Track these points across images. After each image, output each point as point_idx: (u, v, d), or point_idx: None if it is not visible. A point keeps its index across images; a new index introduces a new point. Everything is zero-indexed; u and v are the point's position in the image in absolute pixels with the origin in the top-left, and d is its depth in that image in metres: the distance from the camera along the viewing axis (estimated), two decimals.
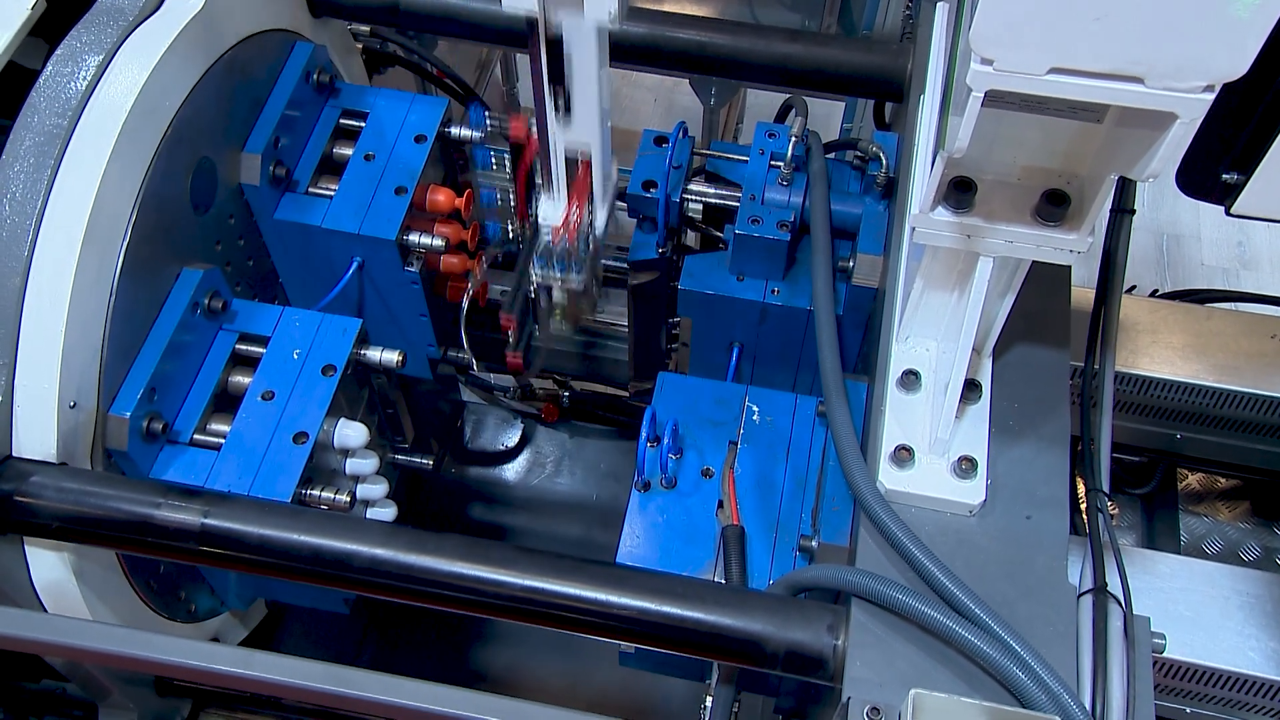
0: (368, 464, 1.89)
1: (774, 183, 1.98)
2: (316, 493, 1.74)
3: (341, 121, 2.09)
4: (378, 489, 1.93)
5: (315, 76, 2.04)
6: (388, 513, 1.97)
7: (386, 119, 2.10)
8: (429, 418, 2.83)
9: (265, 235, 2.03)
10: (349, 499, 1.75)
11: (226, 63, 1.82)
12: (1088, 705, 1.28)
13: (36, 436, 1.55)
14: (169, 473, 1.71)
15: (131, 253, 1.65)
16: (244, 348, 1.84)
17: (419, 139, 2.08)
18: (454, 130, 2.16)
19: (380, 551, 1.48)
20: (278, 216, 1.98)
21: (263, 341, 1.84)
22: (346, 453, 1.87)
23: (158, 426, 1.70)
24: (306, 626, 2.74)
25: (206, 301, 1.78)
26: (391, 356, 1.88)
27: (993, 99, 1.06)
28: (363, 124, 2.09)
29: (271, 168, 1.94)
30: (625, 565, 1.60)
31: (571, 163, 1.77)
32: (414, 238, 2.02)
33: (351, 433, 1.83)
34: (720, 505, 1.69)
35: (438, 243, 2.04)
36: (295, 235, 2.01)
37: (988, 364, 1.54)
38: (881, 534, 1.39)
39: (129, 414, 1.64)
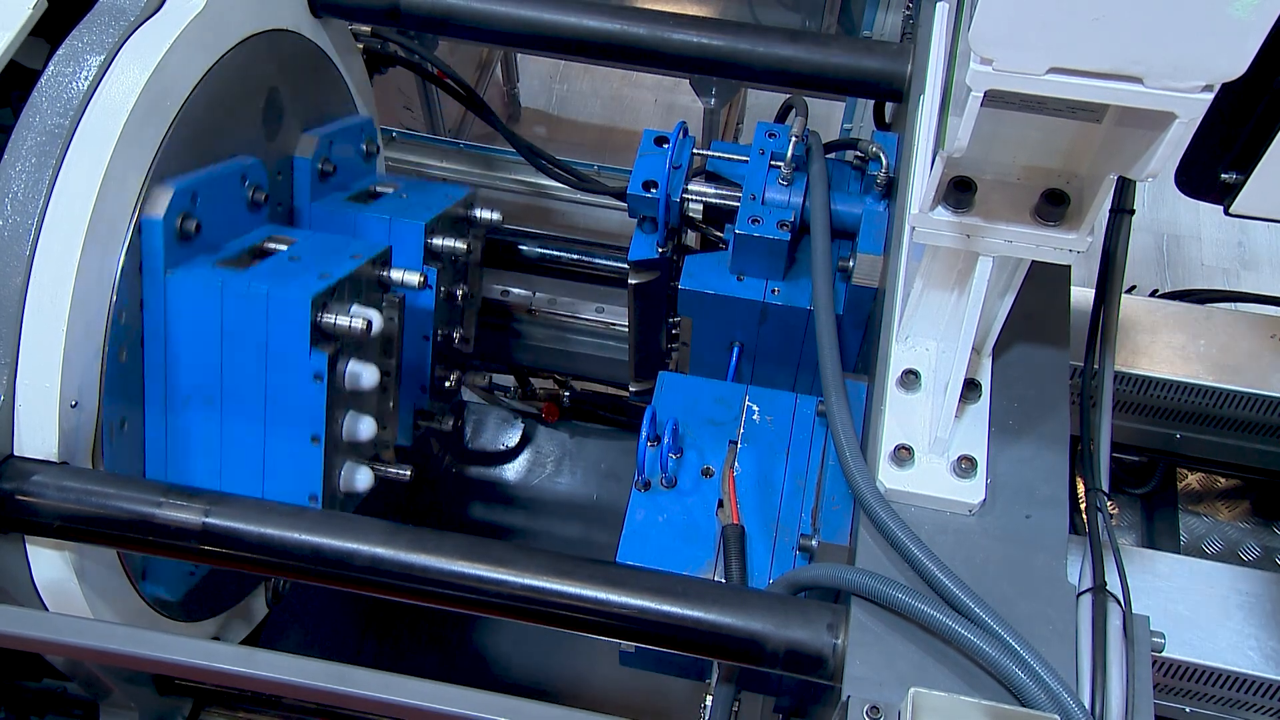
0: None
1: (774, 183, 1.98)
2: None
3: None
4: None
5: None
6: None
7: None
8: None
9: None
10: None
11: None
12: (1087, 704, 1.28)
13: (38, 436, 1.55)
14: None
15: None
16: None
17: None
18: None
19: (380, 551, 1.48)
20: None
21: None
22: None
23: (191, 226, 1.70)
24: (307, 625, 2.74)
25: None
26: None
27: (992, 99, 1.06)
28: None
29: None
30: (625, 565, 1.60)
31: None
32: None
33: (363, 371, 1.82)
34: (720, 504, 1.69)
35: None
36: None
37: (987, 364, 1.54)
38: (881, 533, 1.39)
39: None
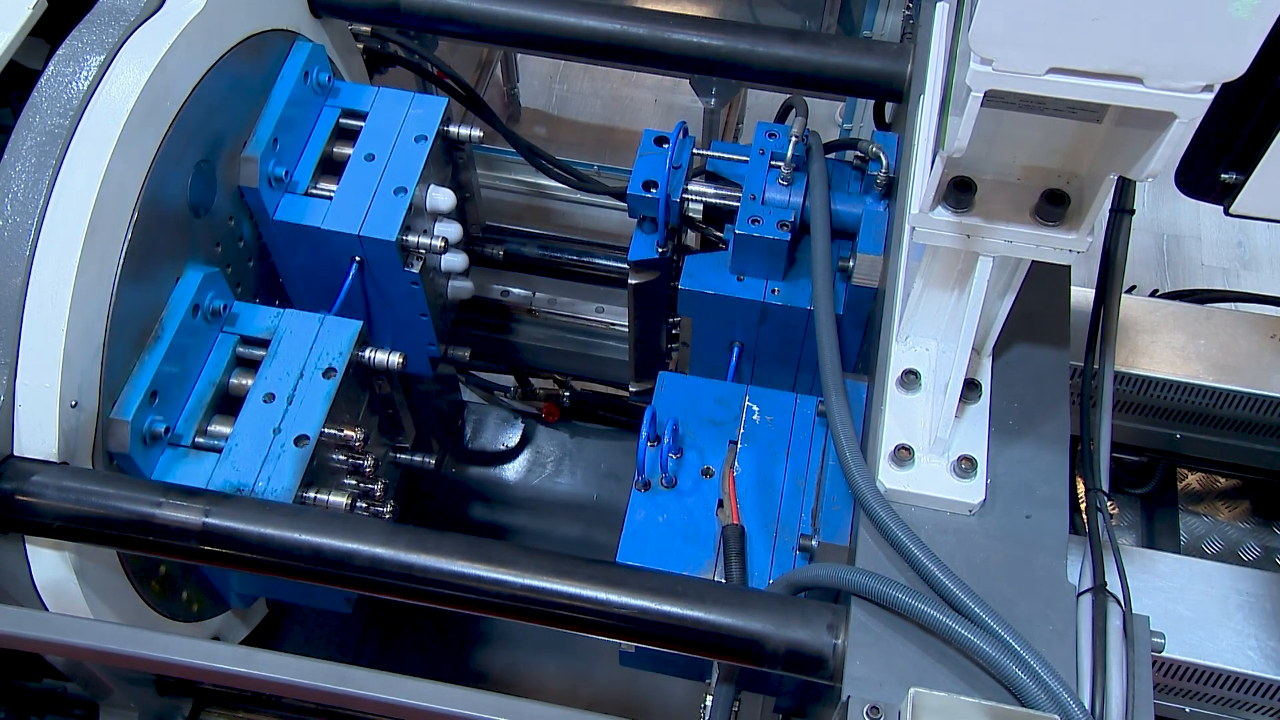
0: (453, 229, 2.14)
1: (774, 183, 1.98)
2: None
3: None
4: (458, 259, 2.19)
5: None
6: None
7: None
8: (429, 417, 2.83)
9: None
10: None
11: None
12: (1087, 704, 1.28)
13: (38, 436, 1.55)
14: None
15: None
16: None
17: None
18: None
19: (380, 551, 1.48)
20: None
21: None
22: (436, 217, 2.13)
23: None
24: (307, 626, 2.74)
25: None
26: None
27: (992, 99, 1.06)
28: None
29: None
30: (625, 565, 1.60)
31: None
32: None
33: (441, 197, 2.10)
34: (720, 504, 1.70)
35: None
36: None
37: (987, 364, 1.54)
38: (881, 533, 1.39)
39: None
